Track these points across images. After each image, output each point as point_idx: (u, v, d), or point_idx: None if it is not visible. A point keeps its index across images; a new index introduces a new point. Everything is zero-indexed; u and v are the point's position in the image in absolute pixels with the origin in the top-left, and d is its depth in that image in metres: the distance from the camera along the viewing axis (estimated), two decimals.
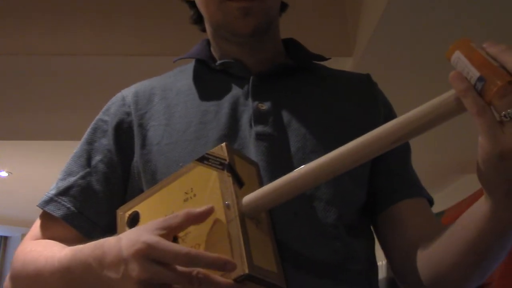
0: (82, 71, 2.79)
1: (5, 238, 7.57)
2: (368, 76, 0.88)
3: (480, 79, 0.46)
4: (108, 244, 0.60)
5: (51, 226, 0.78)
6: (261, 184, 0.66)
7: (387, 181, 0.80)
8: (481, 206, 0.57)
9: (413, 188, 0.80)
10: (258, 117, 0.76)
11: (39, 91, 2.98)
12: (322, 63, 0.88)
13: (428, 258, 0.69)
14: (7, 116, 3.20)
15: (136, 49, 2.63)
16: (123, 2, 2.68)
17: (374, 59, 2.43)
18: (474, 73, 0.47)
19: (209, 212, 0.59)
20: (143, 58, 2.62)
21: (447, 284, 0.68)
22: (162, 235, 0.56)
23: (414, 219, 0.76)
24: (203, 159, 0.65)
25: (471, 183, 3.43)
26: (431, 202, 0.81)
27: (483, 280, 0.66)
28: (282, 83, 0.81)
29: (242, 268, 0.55)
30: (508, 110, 0.45)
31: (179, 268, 0.54)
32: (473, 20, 2.09)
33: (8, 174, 5.03)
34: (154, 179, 0.75)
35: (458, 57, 0.49)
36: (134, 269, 0.54)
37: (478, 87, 0.47)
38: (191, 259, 0.54)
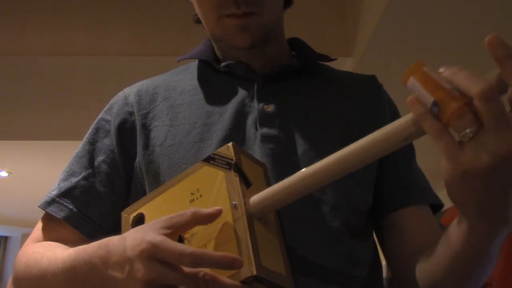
0: (82, 71, 2.79)
1: (5, 238, 7.58)
2: (373, 77, 0.87)
3: (434, 104, 0.47)
4: (112, 244, 0.59)
5: (54, 228, 0.77)
6: (268, 185, 0.64)
7: (391, 186, 0.79)
8: (459, 223, 0.57)
9: (416, 193, 0.79)
10: (264, 119, 0.74)
11: (39, 91, 2.98)
12: (327, 63, 0.87)
13: (424, 270, 0.68)
14: (7, 116, 3.19)
15: (136, 49, 2.63)
16: (121, 2, 2.69)
17: (374, 59, 2.43)
18: (428, 99, 0.48)
19: (217, 214, 0.57)
20: (144, 58, 2.62)
21: None
22: (167, 234, 0.55)
23: (414, 229, 0.76)
24: (209, 159, 0.63)
25: None
26: (439, 206, 0.80)
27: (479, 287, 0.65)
28: (288, 85, 0.80)
29: (250, 269, 0.53)
30: (467, 130, 0.46)
31: (185, 269, 0.53)
32: (474, 20, 2.09)
33: (8, 174, 5.04)
34: (157, 180, 0.74)
35: (412, 83, 0.50)
36: (139, 270, 0.53)
37: (434, 111, 0.47)
38: (196, 259, 0.52)
